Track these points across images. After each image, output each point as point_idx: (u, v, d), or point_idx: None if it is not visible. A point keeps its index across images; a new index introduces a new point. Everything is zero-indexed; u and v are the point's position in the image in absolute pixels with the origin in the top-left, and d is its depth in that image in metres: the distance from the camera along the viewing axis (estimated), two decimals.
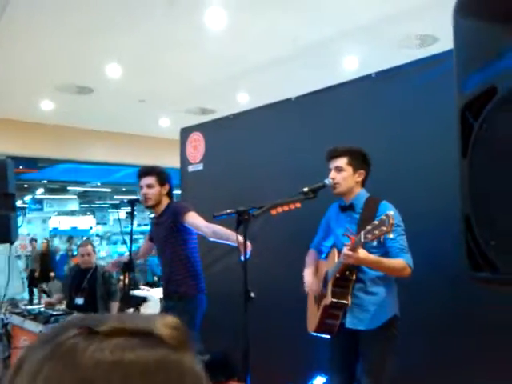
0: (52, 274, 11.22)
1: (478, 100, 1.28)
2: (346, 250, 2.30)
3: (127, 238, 3.40)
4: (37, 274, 11.07)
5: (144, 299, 6.02)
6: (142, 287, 7.21)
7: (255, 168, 4.16)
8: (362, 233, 2.22)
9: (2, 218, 3.57)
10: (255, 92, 7.37)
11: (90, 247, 4.89)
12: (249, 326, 2.35)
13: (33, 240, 12.89)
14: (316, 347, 3.26)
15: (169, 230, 3.30)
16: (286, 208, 2.55)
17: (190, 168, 4.79)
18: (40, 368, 0.42)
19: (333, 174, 2.61)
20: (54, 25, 5.10)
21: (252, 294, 2.37)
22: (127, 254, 3.49)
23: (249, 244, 2.54)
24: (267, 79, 6.83)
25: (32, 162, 9.76)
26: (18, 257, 11.61)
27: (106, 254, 14.54)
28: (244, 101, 7.68)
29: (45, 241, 12.83)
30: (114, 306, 4.78)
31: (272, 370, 3.69)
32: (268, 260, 3.69)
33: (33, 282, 10.92)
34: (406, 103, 3.14)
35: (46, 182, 14.22)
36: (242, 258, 2.51)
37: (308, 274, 2.81)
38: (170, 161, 6.96)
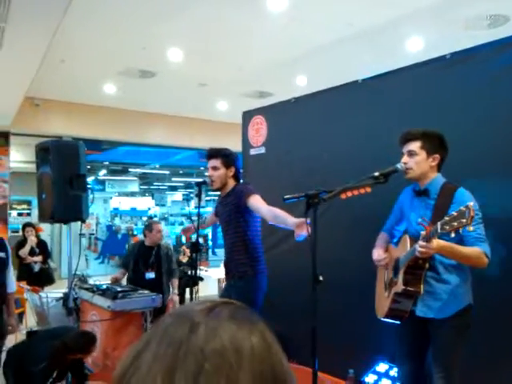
0: None
1: None
2: (420, 242, 2.23)
3: (185, 219, 3.45)
4: None
5: (201, 279, 6.19)
6: (200, 267, 7.37)
7: (318, 152, 4.11)
8: (439, 224, 2.12)
9: (75, 198, 3.73)
10: (314, 75, 7.27)
11: (159, 226, 5.34)
12: (316, 310, 2.35)
13: None
14: (380, 333, 3.22)
15: (232, 212, 3.34)
16: (355, 192, 2.50)
17: (252, 151, 4.80)
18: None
19: (405, 158, 2.53)
20: (118, 11, 5.21)
21: (320, 278, 2.36)
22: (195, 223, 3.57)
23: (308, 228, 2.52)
24: (326, 62, 6.71)
25: (96, 144, 10.10)
26: (82, 235, 12.12)
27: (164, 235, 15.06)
28: (302, 84, 7.58)
29: None
30: (175, 282, 5.27)
31: (333, 354, 3.67)
32: (335, 243, 3.65)
33: None
34: (484, 85, 2.98)
35: (108, 163, 14.73)
36: (297, 239, 2.61)
37: (376, 251, 2.76)
38: (227, 144, 6.99)
